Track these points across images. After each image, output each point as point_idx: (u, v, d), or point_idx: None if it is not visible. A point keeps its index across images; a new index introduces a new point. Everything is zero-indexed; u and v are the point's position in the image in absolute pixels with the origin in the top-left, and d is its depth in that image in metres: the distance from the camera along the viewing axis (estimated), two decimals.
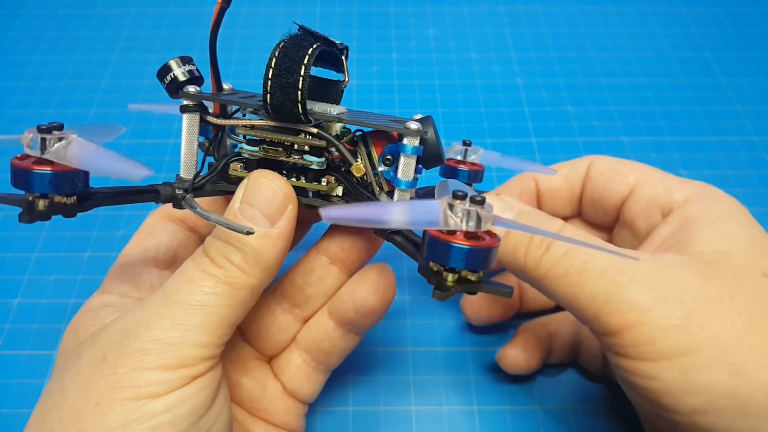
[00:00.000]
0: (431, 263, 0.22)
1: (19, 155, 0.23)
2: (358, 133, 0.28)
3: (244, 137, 0.27)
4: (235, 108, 0.28)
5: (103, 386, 0.22)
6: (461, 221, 0.21)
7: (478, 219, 0.21)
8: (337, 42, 0.27)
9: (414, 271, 0.40)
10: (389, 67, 0.55)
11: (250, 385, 0.30)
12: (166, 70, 0.27)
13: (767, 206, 0.44)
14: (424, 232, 0.22)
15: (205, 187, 0.28)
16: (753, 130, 0.50)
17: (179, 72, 0.27)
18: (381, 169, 0.27)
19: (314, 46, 0.26)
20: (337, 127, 0.27)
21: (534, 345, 0.34)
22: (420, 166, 0.27)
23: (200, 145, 0.28)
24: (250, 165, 0.28)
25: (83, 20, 0.60)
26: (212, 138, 0.28)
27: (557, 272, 0.26)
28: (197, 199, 0.27)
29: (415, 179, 0.27)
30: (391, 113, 0.29)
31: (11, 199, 0.24)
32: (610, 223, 0.35)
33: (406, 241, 0.26)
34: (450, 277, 0.22)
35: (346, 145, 0.27)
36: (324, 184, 0.27)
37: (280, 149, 0.27)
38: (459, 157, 0.34)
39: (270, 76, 0.25)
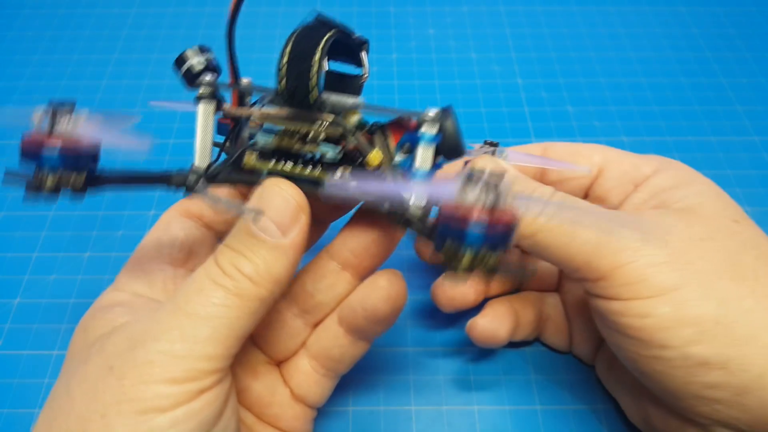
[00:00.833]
0: (447, 242, 0.21)
1: (30, 131, 0.23)
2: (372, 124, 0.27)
3: (260, 127, 0.27)
4: (253, 101, 0.28)
5: (110, 397, 0.22)
6: (479, 197, 0.20)
7: (497, 194, 0.20)
8: (356, 35, 0.27)
9: (414, 272, 0.40)
10: (389, 67, 0.55)
11: (260, 390, 0.30)
12: (183, 59, 0.27)
13: (767, 206, 0.44)
14: (440, 208, 0.21)
15: (219, 176, 0.27)
16: (753, 130, 0.50)
17: (196, 61, 0.27)
18: (398, 158, 0.26)
19: (330, 33, 0.25)
20: (355, 119, 0.27)
21: (503, 316, 0.34)
22: (442, 158, 0.26)
23: (216, 144, 0.28)
24: (265, 155, 0.27)
25: (83, 20, 0.60)
26: (229, 132, 0.28)
27: (552, 224, 0.27)
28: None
29: (434, 171, 0.26)
30: None
31: (20, 175, 0.23)
32: None
33: (423, 226, 0.25)
34: (466, 258, 0.21)
35: (364, 136, 0.26)
36: (339, 175, 0.27)
37: (295, 139, 0.26)
38: None
39: (284, 62, 0.24)
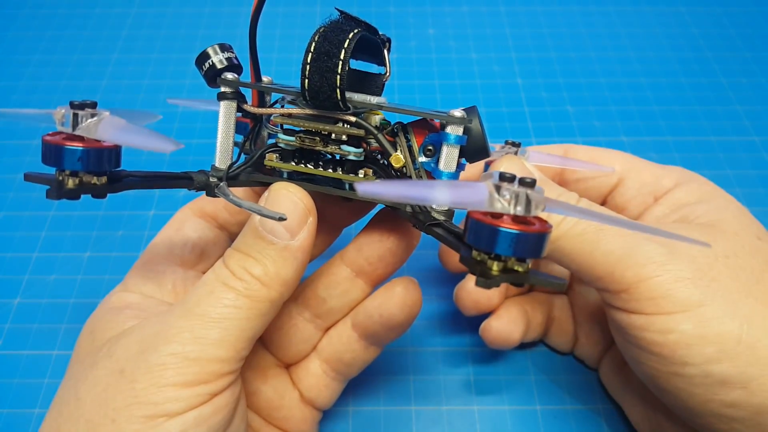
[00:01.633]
0: (474, 251, 0.20)
1: (50, 132, 0.23)
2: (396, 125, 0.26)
3: (281, 127, 0.26)
4: (273, 100, 0.28)
5: (120, 402, 0.22)
6: (509, 204, 0.19)
7: (528, 202, 0.19)
8: (380, 32, 0.26)
9: (414, 272, 0.40)
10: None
11: (269, 393, 0.30)
12: (204, 57, 0.27)
13: (767, 206, 0.44)
14: (467, 215, 0.20)
15: (239, 177, 0.27)
16: (753, 130, 0.50)
17: (217, 59, 0.27)
18: (422, 159, 0.26)
19: (355, 30, 0.25)
20: (377, 119, 0.26)
21: (517, 319, 0.34)
22: (463, 159, 0.26)
23: (236, 143, 0.28)
24: (286, 155, 0.27)
25: (83, 20, 0.60)
26: (249, 131, 0.28)
27: (576, 231, 0.27)
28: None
29: (458, 172, 0.26)
30: None
31: (41, 178, 0.23)
32: None
33: (447, 233, 0.24)
34: (495, 266, 0.20)
35: (386, 136, 0.26)
36: (361, 176, 0.26)
37: (317, 139, 0.26)
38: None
39: (309, 61, 0.24)
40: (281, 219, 0.23)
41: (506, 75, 0.55)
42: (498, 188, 0.19)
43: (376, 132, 0.25)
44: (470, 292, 0.35)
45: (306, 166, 0.27)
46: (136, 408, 0.22)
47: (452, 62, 0.56)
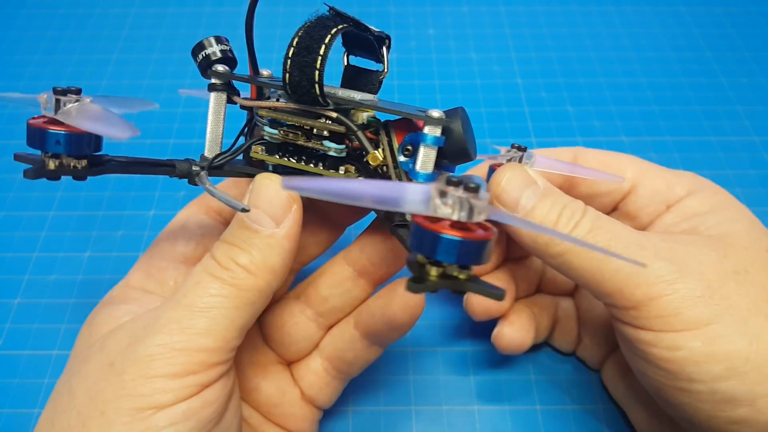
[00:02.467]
0: (419, 255, 0.20)
1: (35, 116, 0.24)
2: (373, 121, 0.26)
3: (268, 120, 0.27)
4: (273, 92, 0.28)
5: (109, 394, 0.22)
6: (452, 210, 0.19)
7: (470, 209, 0.19)
8: (376, 29, 0.26)
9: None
10: (389, 67, 0.55)
11: (270, 390, 0.30)
12: (199, 48, 0.27)
13: (767, 206, 0.44)
14: (412, 218, 0.20)
15: (224, 167, 0.27)
16: (753, 130, 0.50)
17: (211, 51, 0.27)
18: (401, 159, 0.26)
19: (339, 26, 0.25)
20: (364, 116, 0.26)
21: (527, 323, 0.34)
22: (447, 163, 0.26)
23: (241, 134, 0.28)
24: (271, 148, 0.27)
25: (83, 20, 0.60)
26: (245, 123, 0.28)
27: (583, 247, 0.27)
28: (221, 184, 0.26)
29: (436, 174, 0.25)
30: None
31: (27, 158, 0.24)
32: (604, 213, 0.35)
33: (407, 234, 0.24)
34: (434, 271, 0.19)
35: (369, 134, 0.26)
36: (342, 172, 0.26)
37: (299, 133, 0.26)
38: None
39: (290, 55, 0.24)
40: (244, 210, 0.23)
41: (506, 75, 0.55)
42: (443, 193, 0.19)
43: (355, 129, 0.25)
44: (481, 299, 0.35)
45: (289, 160, 0.27)
46: (125, 400, 0.22)
47: (452, 62, 0.56)
